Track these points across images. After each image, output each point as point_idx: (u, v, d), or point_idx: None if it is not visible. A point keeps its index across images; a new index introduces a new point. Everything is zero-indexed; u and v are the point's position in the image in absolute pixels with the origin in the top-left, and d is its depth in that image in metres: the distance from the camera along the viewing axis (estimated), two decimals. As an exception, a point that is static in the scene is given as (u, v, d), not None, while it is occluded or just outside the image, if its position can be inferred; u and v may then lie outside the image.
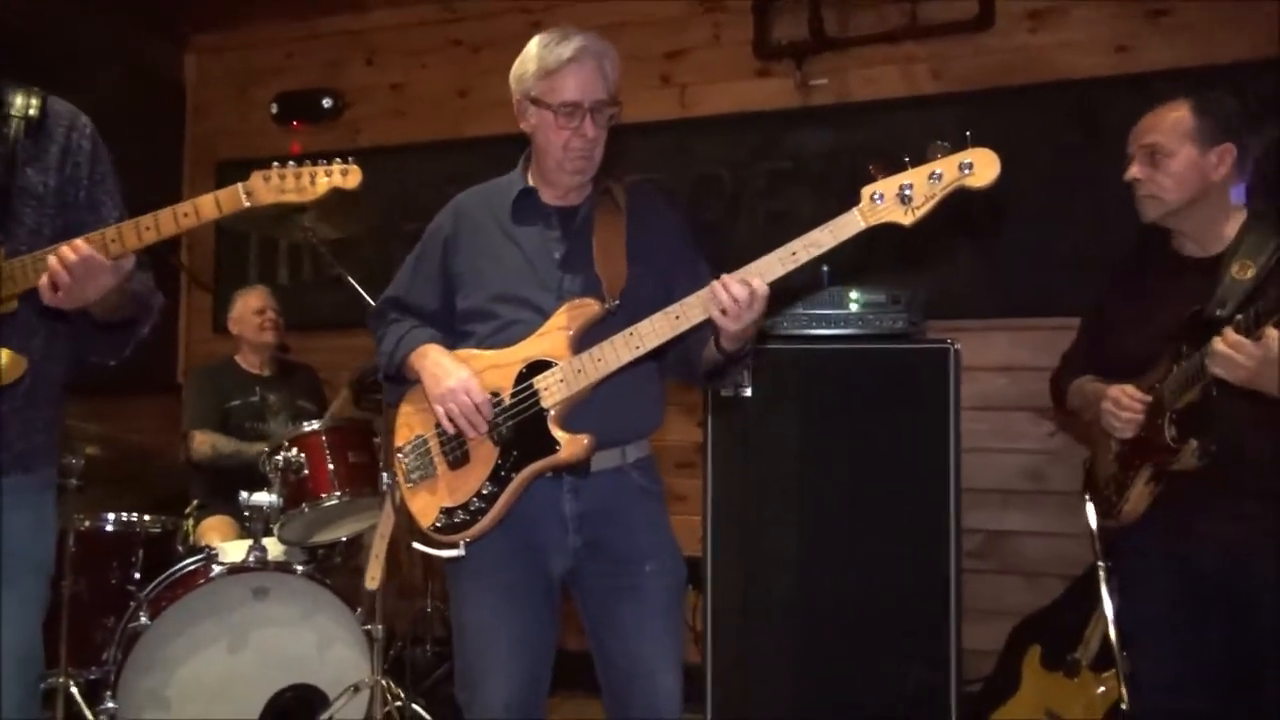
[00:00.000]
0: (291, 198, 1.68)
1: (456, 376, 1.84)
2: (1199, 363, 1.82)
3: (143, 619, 2.63)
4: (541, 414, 1.81)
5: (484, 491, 1.85)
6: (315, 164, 1.69)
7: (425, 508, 1.91)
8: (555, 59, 1.85)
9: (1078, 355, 2.32)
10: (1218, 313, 1.83)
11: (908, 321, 2.92)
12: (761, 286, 1.65)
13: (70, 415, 2.08)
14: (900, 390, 2.89)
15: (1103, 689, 2.63)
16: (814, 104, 3.69)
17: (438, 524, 1.89)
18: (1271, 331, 1.74)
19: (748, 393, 2.94)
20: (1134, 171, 2.02)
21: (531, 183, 1.98)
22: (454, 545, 1.87)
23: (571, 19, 3.91)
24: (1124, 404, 1.97)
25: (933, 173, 1.60)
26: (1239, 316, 1.76)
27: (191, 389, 3.63)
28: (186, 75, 4.77)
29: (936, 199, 1.60)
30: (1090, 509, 2.21)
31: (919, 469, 2.86)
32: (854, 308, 2.94)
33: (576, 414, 1.83)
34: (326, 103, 4.41)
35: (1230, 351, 1.76)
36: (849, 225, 1.64)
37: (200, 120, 4.75)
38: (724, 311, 1.66)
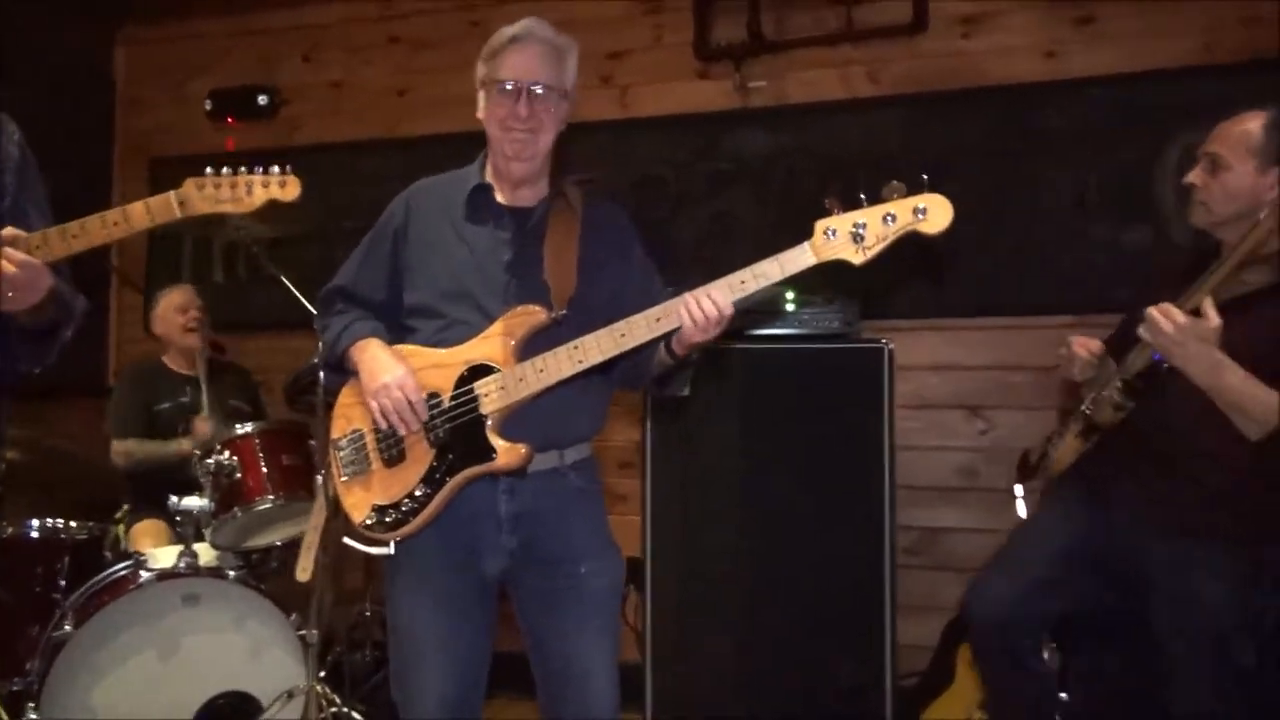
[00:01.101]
0: (227, 208, 1.66)
1: (392, 373, 1.82)
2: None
3: (67, 627, 2.56)
4: (480, 420, 1.80)
5: (417, 493, 1.84)
6: (252, 173, 1.67)
7: (358, 504, 1.89)
8: (501, 40, 1.88)
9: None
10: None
11: (843, 321, 2.96)
12: (728, 308, 1.69)
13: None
14: (836, 389, 2.93)
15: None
16: (753, 106, 3.71)
17: (369, 521, 1.87)
18: (1209, 311, 1.79)
19: (686, 392, 2.95)
20: (1192, 176, 2.02)
21: (488, 179, 1.96)
22: (384, 544, 1.86)
23: (511, 17, 3.89)
24: (1074, 348, 2.09)
25: (887, 214, 1.63)
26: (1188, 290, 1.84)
27: (117, 393, 3.56)
28: (117, 68, 4.64)
29: (889, 241, 1.63)
30: (1020, 503, 2.28)
31: (855, 467, 2.91)
32: (791, 307, 2.97)
33: (515, 419, 1.82)
34: (262, 100, 4.32)
35: (1159, 317, 1.83)
36: (800, 259, 1.67)
37: (131, 115, 4.62)
38: (696, 324, 1.69)
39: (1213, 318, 1.80)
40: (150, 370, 3.59)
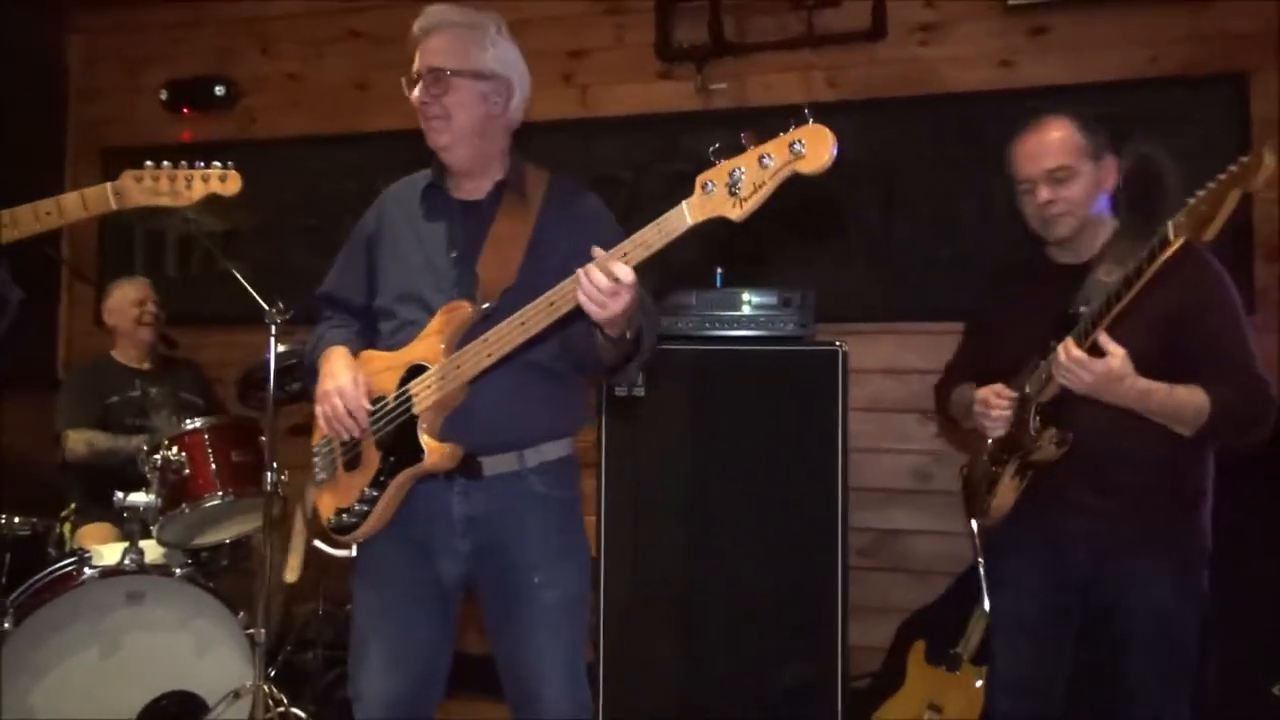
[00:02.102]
0: (165, 201, 1.64)
1: (335, 380, 1.83)
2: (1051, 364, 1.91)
3: (5, 625, 2.51)
4: (412, 420, 1.79)
5: (366, 494, 1.84)
6: (193, 167, 1.66)
7: (325, 507, 1.92)
8: (412, 34, 1.88)
9: (959, 364, 2.39)
10: (1081, 309, 1.91)
11: (798, 324, 2.98)
12: (626, 275, 1.54)
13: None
14: (790, 391, 2.95)
15: (980, 683, 2.72)
16: (713, 108, 3.73)
17: (331, 523, 1.90)
18: (1115, 350, 1.82)
19: (641, 393, 2.97)
20: (1045, 195, 2.03)
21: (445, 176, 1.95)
22: (346, 546, 1.90)
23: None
24: (992, 403, 2.04)
25: (763, 156, 1.44)
26: (1079, 325, 1.86)
27: (66, 387, 3.50)
28: (71, 57, 4.56)
29: (767, 188, 1.44)
30: (977, 542, 2.31)
31: (808, 468, 2.93)
32: (746, 309, 2.99)
33: (461, 418, 1.81)
34: (219, 90, 4.27)
35: (1071, 365, 1.85)
36: (677, 223, 1.52)
37: (85, 105, 4.55)
38: (590, 300, 1.57)
39: (1117, 352, 1.83)
40: (99, 364, 3.53)
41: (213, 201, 3.00)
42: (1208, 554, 2.03)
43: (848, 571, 2.93)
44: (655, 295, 2.83)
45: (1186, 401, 1.89)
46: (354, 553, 1.89)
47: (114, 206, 1.64)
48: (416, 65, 1.86)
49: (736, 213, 1.47)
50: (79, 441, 3.26)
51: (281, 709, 2.70)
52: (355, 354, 1.91)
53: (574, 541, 1.95)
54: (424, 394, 1.78)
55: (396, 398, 1.81)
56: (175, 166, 1.67)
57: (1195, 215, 1.72)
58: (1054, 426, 1.95)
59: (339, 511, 1.88)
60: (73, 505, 3.27)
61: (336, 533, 1.89)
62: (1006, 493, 2.07)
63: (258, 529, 2.93)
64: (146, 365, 3.54)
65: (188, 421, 2.95)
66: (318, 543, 1.95)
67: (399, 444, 1.80)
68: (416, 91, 1.85)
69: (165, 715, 2.64)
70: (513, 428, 1.86)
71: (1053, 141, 2.04)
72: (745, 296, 3.00)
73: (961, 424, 2.32)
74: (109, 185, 1.63)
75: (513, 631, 1.88)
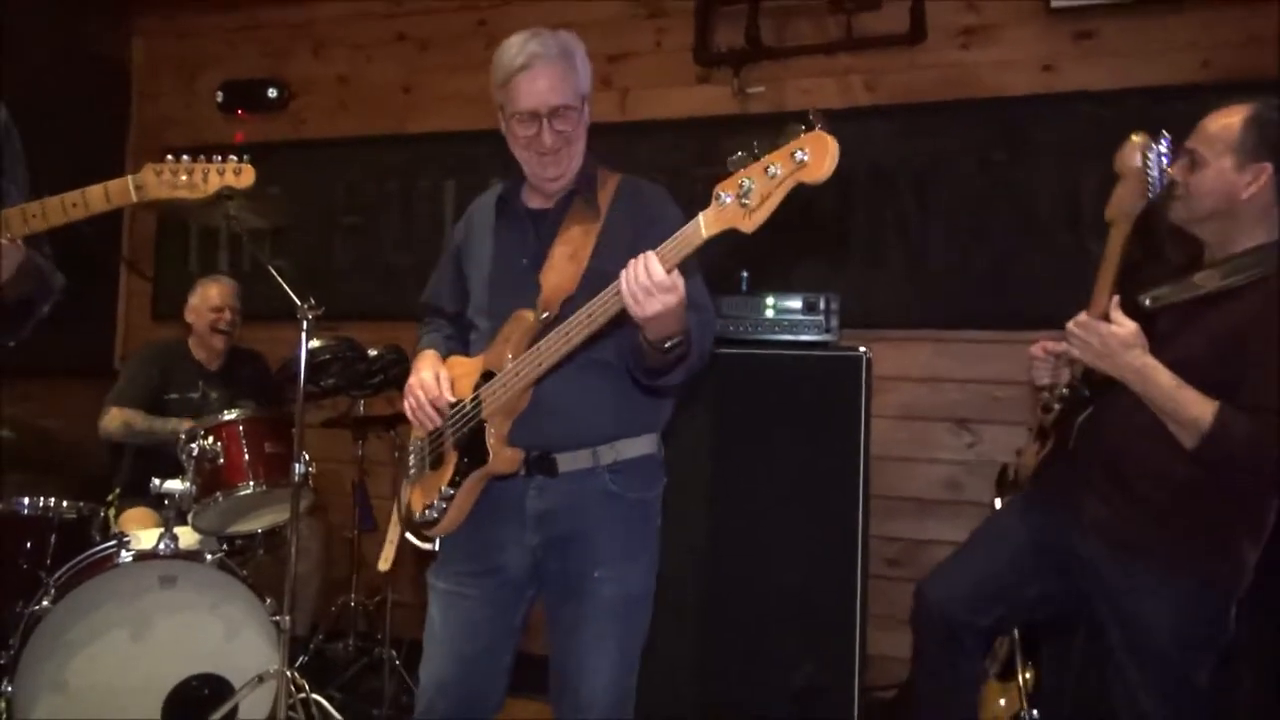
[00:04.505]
0: (183, 194, 1.70)
1: (419, 375, 1.92)
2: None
3: (45, 603, 2.61)
4: (481, 424, 1.84)
5: (444, 492, 1.90)
6: (210, 160, 1.71)
7: (415, 502, 1.99)
8: (509, 68, 1.82)
9: None
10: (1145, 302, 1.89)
11: (822, 329, 2.96)
12: (660, 275, 1.53)
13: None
14: (813, 397, 2.93)
15: (1003, 700, 2.68)
16: (751, 112, 3.72)
17: (417, 518, 1.96)
18: (1121, 318, 1.80)
19: (679, 379, 2.97)
20: (1174, 172, 1.96)
21: (524, 187, 1.97)
22: (430, 540, 1.96)
23: (516, 18, 3.95)
24: (1036, 352, 2.10)
25: (768, 167, 1.41)
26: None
27: (133, 365, 3.57)
28: (134, 59, 4.73)
29: (774, 198, 1.41)
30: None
31: (830, 474, 2.91)
32: (770, 314, 2.98)
33: (530, 419, 1.83)
34: (272, 93, 4.40)
35: (1079, 331, 1.85)
36: (693, 237, 1.51)
37: (146, 105, 4.72)
38: (630, 295, 1.56)
39: (1125, 323, 1.80)
40: (172, 353, 3.58)
41: (256, 200, 3.12)
42: (1237, 585, 1.93)
43: (867, 577, 2.90)
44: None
45: (1188, 404, 1.80)
46: (436, 546, 1.95)
47: (135, 199, 1.71)
48: (528, 105, 1.81)
49: (747, 225, 1.45)
50: (117, 418, 3.34)
51: (303, 695, 2.76)
52: (445, 356, 2.00)
53: (642, 542, 1.95)
54: (491, 399, 1.83)
55: (470, 401, 1.87)
56: (194, 160, 1.73)
57: None
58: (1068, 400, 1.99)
59: (424, 507, 1.94)
60: (117, 490, 3.38)
61: (422, 527, 1.95)
62: (1029, 456, 2.14)
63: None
64: (216, 366, 3.59)
65: (225, 413, 3.03)
66: (409, 536, 2.00)
67: (471, 446, 1.86)
68: (533, 130, 1.83)
69: (193, 696, 2.71)
70: (583, 425, 1.88)
71: (1212, 122, 1.94)
72: (769, 301, 2.99)
73: None
74: (130, 178, 1.70)
75: (564, 624, 1.90)
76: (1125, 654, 1.96)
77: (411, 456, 2.03)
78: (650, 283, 1.53)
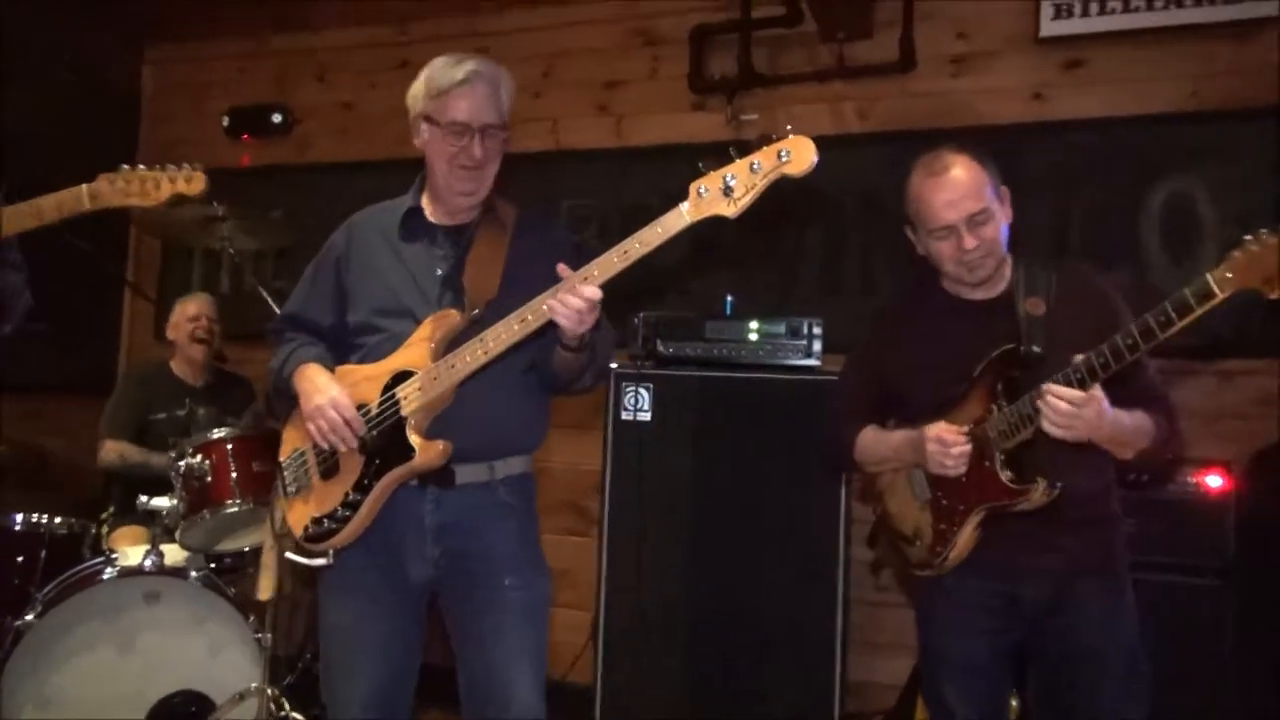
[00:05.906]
0: (135, 201, 1.75)
1: (326, 394, 1.90)
2: (1030, 407, 1.83)
3: (29, 617, 2.64)
4: (401, 422, 1.86)
5: (348, 499, 1.91)
6: (162, 169, 1.76)
7: (299, 518, 1.98)
8: (448, 79, 1.95)
9: (851, 407, 2.19)
10: (1033, 349, 1.88)
11: (804, 353, 2.96)
12: (594, 294, 1.72)
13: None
14: (796, 421, 2.93)
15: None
16: (744, 139, 3.73)
17: (308, 532, 1.96)
18: (1095, 391, 1.78)
19: (647, 418, 2.99)
20: (970, 242, 1.94)
21: (424, 202, 2.05)
22: (323, 554, 1.95)
23: (516, 45, 4.01)
24: (950, 440, 1.90)
25: (753, 163, 1.64)
26: (1073, 373, 1.78)
27: (117, 391, 3.63)
28: (143, 85, 4.83)
29: (757, 189, 1.64)
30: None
31: (811, 499, 2.91)
32: (753, 338, 2.99)
33: (440, 425, 1.88)
34: (277, 118, 4.48)
35: (1069, 415, 1.76)
36: (675, 221, 1.69)
37: (155, 128, 4.80)
38: (566, 318, 1.73)
39: (1097, 394, 1.79)
40: (154, 374, 3.65)
41: (252, 223, 3.17)
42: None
43: (849, 602, 2.89)
44: (670, 321, 2.89)
45: (1140, 425, 1.88)
46: (331, 561, 1.93)
47: (88, 207, 1.76)
48: (463, 117, 1.93)
49: (731, 210, 1.65)
50: (112, 451, 3.41)
51: (284, 713, 2.76)
52: (330, 369, 1.99)
53: (538, 553, 2.04)
54: (412, 395, 1.86)
55: (382, 402, 1.88)
56: (149, 169, 1.78)
57: (1253, 264, 1.57)
58: (1040, 477, 1.88)
59: (315, 519, 1.94)
60: (111, 508, 3.41)
61: (313, 541, 1.95)
62: (966, 544, 1.97)
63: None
64: (200, 382, 3.63)
65: (213, 432, 3.06)
66: (290, 555, 1.99)
67: (386, 447, 1.87)
68: (464, 141, 1.93)
69: (176, 712, 2.73)
70: (493, 439, 1.96)
71: (966, 184, 1.95)
72: (753, 325, 3.00)
73: (881, 469, 2.17)
74: (85, 187, 1.76)
75: (482, 633, 1.94)
76: (1093, 658, 1.96)
77: (286, 474, 2.03)
78: (588, 303, 1.72)
